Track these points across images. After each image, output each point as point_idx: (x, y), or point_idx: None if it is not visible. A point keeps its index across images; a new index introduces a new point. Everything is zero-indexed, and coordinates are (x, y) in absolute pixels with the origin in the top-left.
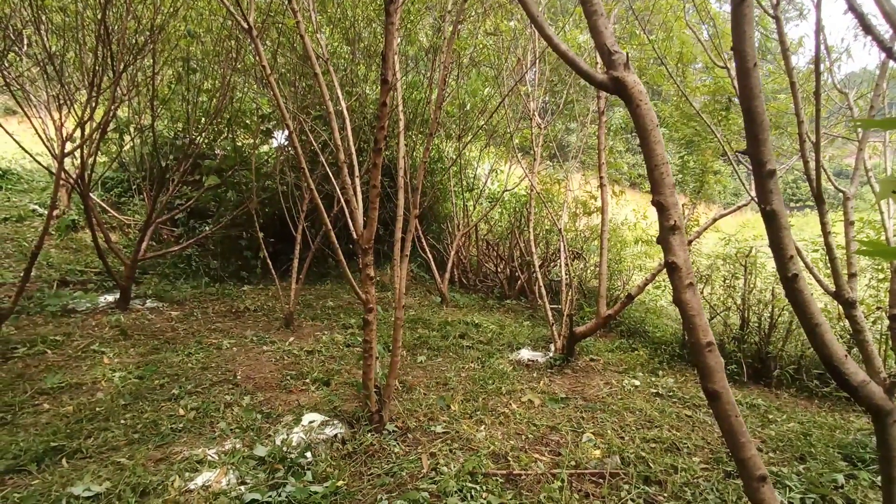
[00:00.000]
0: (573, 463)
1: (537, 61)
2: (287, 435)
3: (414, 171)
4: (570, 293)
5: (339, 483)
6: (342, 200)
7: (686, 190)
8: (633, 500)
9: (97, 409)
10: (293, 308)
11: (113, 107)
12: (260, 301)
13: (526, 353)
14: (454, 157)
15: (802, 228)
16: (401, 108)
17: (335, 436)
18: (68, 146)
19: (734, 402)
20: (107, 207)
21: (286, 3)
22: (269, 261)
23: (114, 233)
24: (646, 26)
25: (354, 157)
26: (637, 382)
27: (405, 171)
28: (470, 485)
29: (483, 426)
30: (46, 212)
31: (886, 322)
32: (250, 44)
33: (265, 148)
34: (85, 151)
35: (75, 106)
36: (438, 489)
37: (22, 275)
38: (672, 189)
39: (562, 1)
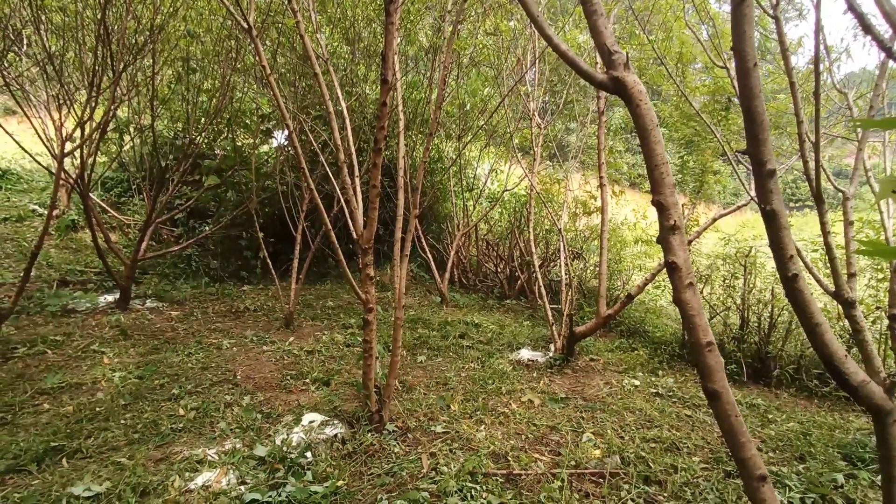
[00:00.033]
0: (573, 463)
1: (537, 61)
2: (287, 435)
3: (414, 170)
4: (569, 293)
5: (339, 483)
6: (342, 200)
7: (686, 190)
8: (633, 499)
9: (97, 409)
10: (293, 308)
11: (113, 107)
12: (260, 301)
13: (526, 353)
14: (454, 156)
15: (802, 228)
16: (401, 107)
17: (335, 436)
18: (68, 146)
19: (734, 401)
20: (107, 207)
21: (286, 3)
22: (269, 261)
23: (114, 233)
24: (645, 26)
25: (354, 156)
26: (637, 382)
27: (405, 170)
28: (470, 485)
29: (483, 426)
30: (46, 212)
31: (886, 322)
32: (250, 44)
33: (265, 148)
34: (85, 151)
35: (75, 106)
36: (438, 489)
37: (22, 275)
38: (672, 189)
39: (562, 1)
